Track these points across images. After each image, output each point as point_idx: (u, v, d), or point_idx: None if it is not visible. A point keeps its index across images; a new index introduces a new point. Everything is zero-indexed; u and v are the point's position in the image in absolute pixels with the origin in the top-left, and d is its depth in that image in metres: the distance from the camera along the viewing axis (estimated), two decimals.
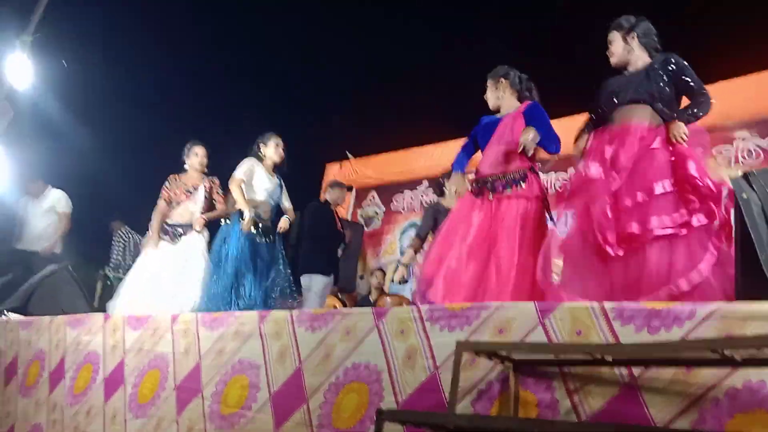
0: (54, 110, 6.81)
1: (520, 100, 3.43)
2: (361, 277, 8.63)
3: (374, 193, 9.30)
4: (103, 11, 7.40)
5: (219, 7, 7.65)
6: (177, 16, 7.67)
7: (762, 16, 5.74)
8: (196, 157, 4.81)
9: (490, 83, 3.52)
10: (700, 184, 2.53)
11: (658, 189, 2.61)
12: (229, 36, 7.78)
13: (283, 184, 4.61)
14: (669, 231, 2.51)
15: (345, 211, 8.81)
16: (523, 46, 7.22)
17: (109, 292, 6.29)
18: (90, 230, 7.28)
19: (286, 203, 4.61)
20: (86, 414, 3.46)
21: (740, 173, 1.99)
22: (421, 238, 5.04)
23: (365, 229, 8.91)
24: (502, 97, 3.45)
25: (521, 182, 3.14)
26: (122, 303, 4.33)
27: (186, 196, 4.73)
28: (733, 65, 5.87)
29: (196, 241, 4.56)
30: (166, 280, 4.35)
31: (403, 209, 8.64)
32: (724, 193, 2.51)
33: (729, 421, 1.65)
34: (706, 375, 1.70)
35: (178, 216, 4.70)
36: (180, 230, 4.63)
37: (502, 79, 3.46)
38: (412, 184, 8.66)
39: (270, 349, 2.81)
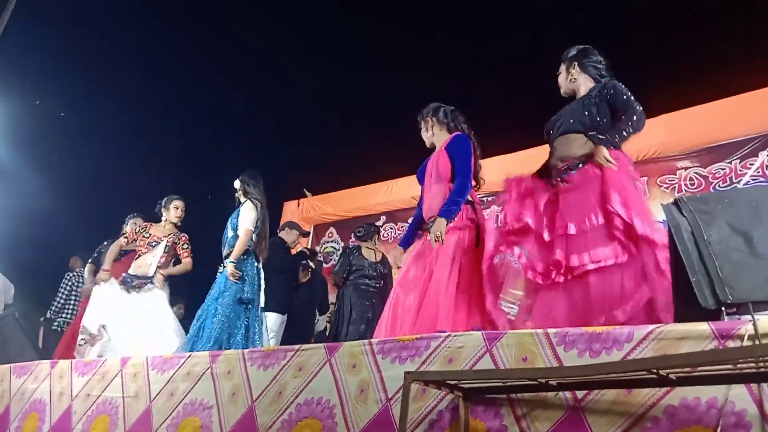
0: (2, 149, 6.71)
1: (450, 132, 3.49)
2: (333, 303, 8.58)
3: (333, 230, 9.33)
4: (56, 45, 7.31)
5: (171, 41, 7.61)
6: (129, 50, 7.64)
7: (703, 52, 6.05)
8: (175, 210, 4.89)
9: (421, 124, 3.58)
10: (623, 220, 2.58)
11: (587, 224, 2.66)
12: (183, 74, 7.76)
13: (240, 210, 4.46)
14: (600, 265, 2.57)
15: (305, 240, 8.80)
16: (483, 79, 7.40)
17: (54, 338, 6.08)
18: (40, 274, 7.10)
19: (240, 226, 4.44)
20: None
21: (671, 200, 2.07)
22: (338, 277, 5.19)
23: (324, 264, 8.90)
24: (432, 135, 3.52)
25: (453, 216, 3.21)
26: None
27: (147, 249, 4.75)
28: (675, 99, 6.13)
29: (158, 294, 4.58)
30: (138, 328, 4.33)
31: None
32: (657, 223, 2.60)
33: None
34: (645, 395, 1.75)
35: (136, 268, 4.71)
36: (136, 282, 4.62)
37: (429, 118, 3.53)
38: (370, 220, 8.71)
39: (222, 389, 2.76)
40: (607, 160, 2.71)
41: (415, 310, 3.01)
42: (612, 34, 6.14)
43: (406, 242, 3.58)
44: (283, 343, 5.70)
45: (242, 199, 4.47)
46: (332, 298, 8.61)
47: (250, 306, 4.21)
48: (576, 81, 3.09)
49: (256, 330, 4.23)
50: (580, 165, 2.85)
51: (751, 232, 1.84)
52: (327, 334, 7.06)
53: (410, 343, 2.30)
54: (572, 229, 2.66)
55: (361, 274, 5.28)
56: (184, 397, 2.88)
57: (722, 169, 6.29)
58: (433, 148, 3.56)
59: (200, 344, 3.89)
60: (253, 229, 4.29)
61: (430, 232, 3.18)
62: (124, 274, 4.69)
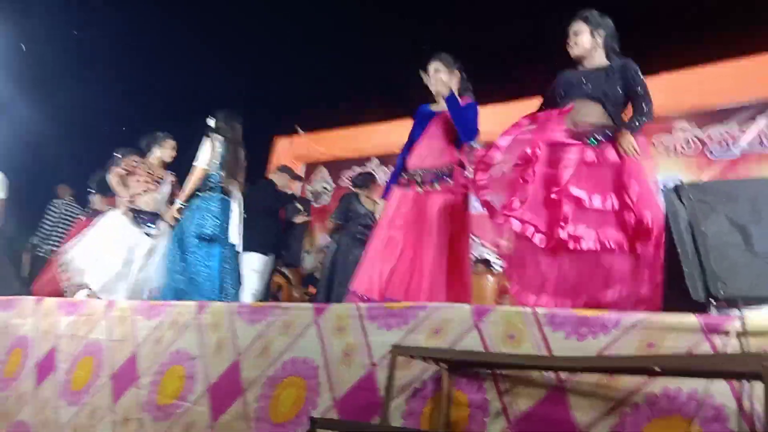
0: None
1: (460, 95, 3.41)
2: (308, 252, 8.61)
3: (324, 169, 9.26)
4: None
5: None
6: None
7: (704, 11, 5.89)
8: (171, 150, 4.79)
9: (442, 68, 3.42)
10: (635, 215, 2.59)
11: (599, 204, 2.66)
12: (178, 10, 7.47)
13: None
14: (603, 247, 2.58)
15: (296, 184, 8.75)
16: (476, 28, 7.22)
17: (39, 264, 6.08)
18: (29, 199, 7.01)
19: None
20: (16, 400, 3.37)
21: (672, 185, 2.04)
22: (337, 221, 5.20)
23: (313, 204, 8.88)
24: (446, 88, 3.39)
25: (448, 177, 3.20)
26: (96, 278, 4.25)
27: (154, 186, 4.65)
28: (675, 58, 6.01)
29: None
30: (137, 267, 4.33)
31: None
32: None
33: (647, 425, 1.72)
34: (627, 381, 1.77)
35: (144, 203, 4.59)
36: (145, 218, 4.55)
37: (457, 71, 3.43)
38: (362, 161, 8.65)
39: (208, 341, 2.78)
40: (634, 150, 2.70)
41: (393, 271, 3.05)
42: None
43: (395, 179, 3.52)
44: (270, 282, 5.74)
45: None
46: (321, 242, 8.68)
47: (215, 242, 4.16)
48: (597, 49, 3.02)
49: (226, 267, 4.18)
50: (599, 138, 2.83)
51: (749, 228, 1.83)
52: (318, 277, 7.13)
53: (398, 311, 2.30)
54: (587, 202, 2.65)
55: (357, 222, 5.28)
56: (170, 345, 2.90)
57: (719, 132, 6.26)
58: (436, 95, 3.45)
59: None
60: (206, 167, 4.20)
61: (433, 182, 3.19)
62: (133, 209, 4.55)
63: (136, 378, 2.94)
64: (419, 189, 3.25)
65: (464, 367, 2.04)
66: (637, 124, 2.84)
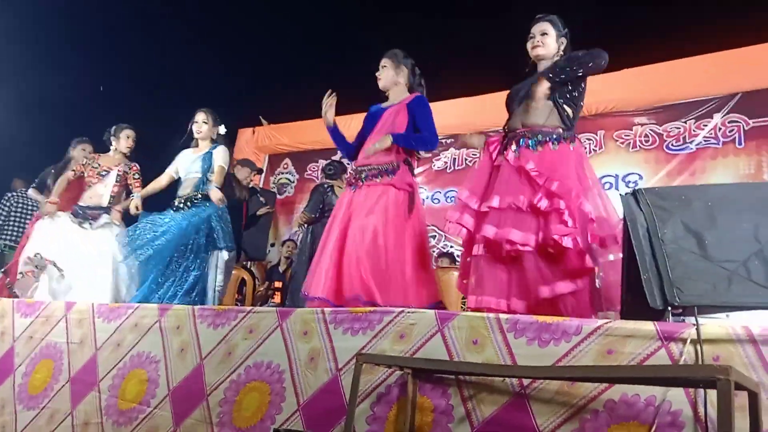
0: None
1: (410, 91, 3.42)
2: (272, 245, 8.56)
3: (288, 161, 9.18)
4: None
5: None
6: None
7: (662, 10, 6.00)
8: (126, 140, 4.69)
9: (389, 63, 3.43)
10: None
11: (523, 203, 2.67)
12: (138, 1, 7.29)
13: (214, 154, 4.19)
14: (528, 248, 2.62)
15: (258, 177, 8.65)
16: (446, 15, 7.23)
17: None
18: None
19: (215, 165, 4.16)
20: None
21: (630, 191, 2.07)
22: (311, 215, 5.17)
23: (278, 196, 8.81)
24: (394, 83, 3.41)
25: (392, 174, 3.20)
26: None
27: (97, 179, 4.59)
28: (635, 55, 6.12)
29: (107, 235, 4.42)
30: (78, 268, 4.20)
31: (317, 178, 8.58)
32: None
33: (606, 430, 1.77)
34: (587, 388, 1.81)
35: (87, 199, 4.57)
36: (88, 213, 4.50)
37: (404, 66, 3.42)
38: (327, 154, 8.59)
39: (170, 344, 2.74)
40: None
41: (335, 268, 3.07)
42: None
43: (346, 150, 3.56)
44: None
45: (204, 138, 4.21)
46: (286, 234, 8.62)
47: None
48: (557, 55, 2.99)
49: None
50: (546, 139, 2.83)
51: (704, 235, 1.87)
52: (283, 269, 7.08)
53: (363, 316, 2.31)
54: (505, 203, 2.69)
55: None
56: (131, 348, 2.86)
57: (677, 128, 6.41)
58: (384, 91, 3.47)
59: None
60: (226, 168, 4.16)
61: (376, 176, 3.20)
62: (75, 206, 4.55)
63: (95, 382, 2.90)
64: (361, 183, 3.28)
65: (429, 372, 2.06)
66: (554, 70, 2.82)
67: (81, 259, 4.25)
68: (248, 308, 2.62)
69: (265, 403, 2.37)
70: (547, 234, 2.60)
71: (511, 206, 2.69)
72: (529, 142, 2.83)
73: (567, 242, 2.54)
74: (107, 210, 4.55)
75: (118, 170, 4.63)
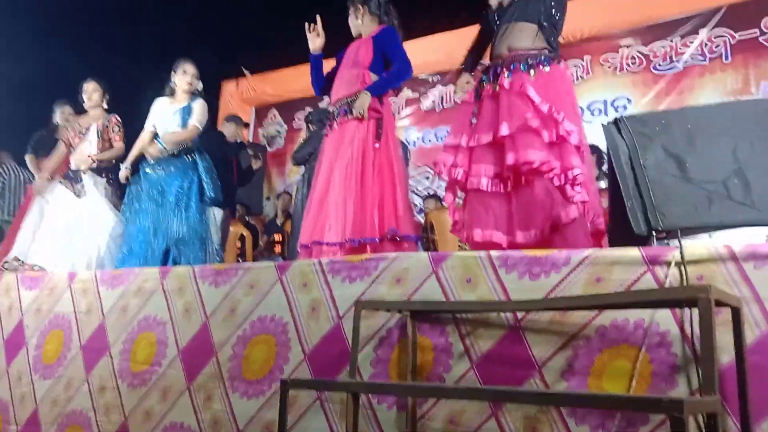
0: None
1: (380, 24, 3.42)
2: (268, 199, 8.59)
3: (275, 111, 9.11)
4: None
5: None
6: None
7: None
8: (95, 94, 4.54)
9: (351, 10, 3.48)
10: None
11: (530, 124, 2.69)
12: None
13: (193, 105, 4.09)
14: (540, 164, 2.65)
15: (246, 131, 8.60)
16: None
17: None
18: None
19: (189, 122, 4.06)
20: None
21: (611, 120, 2.10)
22: (301, 158, 5.18)
23: (268, 149, 8.78)
24: (361, 24, 3.44)
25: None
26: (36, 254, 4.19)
27: (80, 139, 4.50)
28: None
29: (93, 190, 4.33)
30: (66, 234, 4.19)
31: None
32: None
33: (598, 355, 1.85)
34: (578, 316, 1.88)
35: (76, 162, 4.46)
36: (79, 175, 4.41)
37: (360, 6, 3.44)
38: (314, 101, 8.51)
39: (175, 306, 2.81)
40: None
41: (321, 214, 3.17)
42: None
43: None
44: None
45: (187, 91, 4.12)
46: (280, 187, 8.61)
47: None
48: None
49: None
50: (532, 62, 2.83)
51: (684, 158, 1.90)
52: (282, 222, 7.13)
53: (359, 263, 2.36)
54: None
55: None
56: (138, 312, 2.92)
57: (663, 47, 6.35)
58: (359, 37, 3.48)
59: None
60: (200, 129, 4.13)
61: (347, 113, 3.24)
62: (67, 172, 4.48)
63: (106, 347, 2.97)
64: (335, 124, 3.33)
65: (426, 313, 2.13)
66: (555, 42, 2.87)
67: (84, 231, 4.25)
68: (248, 264, 2.68)
69: (272, 354, 2.45)
70: (566, 164, 2.64)
71: (521, 129, 2.70)
72: (521, 66, 2.83)
73: (579, 175, 2.61)
74: (97, 171, 4.43)
75: (98, 125, 4.49)
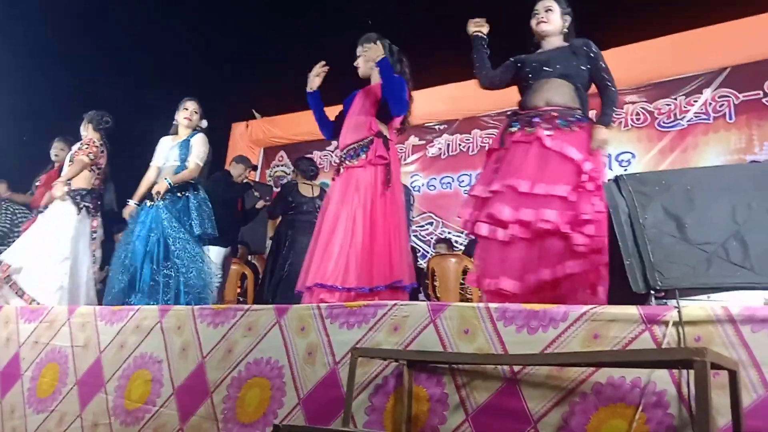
0: None
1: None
2: (271, 238, 8.61)
3: (283, 153, 9.23)
4: None
5: None
6: None
7: None
8: (86, 126, 4.60)
9: (367, 45, 3.42)
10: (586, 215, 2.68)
11: (559, 191, 2.72)
12: None
13: (192, 141, 4.16)
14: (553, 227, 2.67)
15: (253, 173, 8.69)
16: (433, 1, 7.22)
17: None
18: None
19: (190, 159, 4.12)
20: None
21: (612, 178, 2.12)
22: (276, 213, 5.21)
23: (274, 189, 8.85)
24: (372, 67, 3.41)
25: (366, 149, 3.23)
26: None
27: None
28: (624, 33, 6.14)
29: (60, 216, 4.34)
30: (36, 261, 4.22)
31: None
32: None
33: (594, 413, 1.83)
34: (575, 372, 1.87)
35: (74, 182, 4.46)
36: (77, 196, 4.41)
37: (380, 43, 3.37)
38: (321, 145, 8.64)
39: (172, 344, 2.81)
40: (602, 143, 2.81)
41: (325, 259, 3.16)
42: None
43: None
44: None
45: (189, 127, 4.23)
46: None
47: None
48: (561, 31, 3.06)
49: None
50: (570, 119, 2.87)
51: (684, 218, 1.92)
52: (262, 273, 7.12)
53: (358, 310, 2.37)
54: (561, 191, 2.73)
55: (298, 211, 5.26)
56: (135, 349, 2.92)
57: (667, 105, 6.45)
58: (365, 78, 3.50)
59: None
60: (202, 165, 4.19)
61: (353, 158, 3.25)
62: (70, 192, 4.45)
63: (102, 383, 2.96)
64: (342, 169, 3.34)
65: (423, 362, 2.12)
66: (608, 116, 2.89)
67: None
68: (246, 306, 2.68)
69: (267, 398, 2.44)
70: (579, 213, 2.68)
71: (548, 193, 2.73)
72: (559, 121, 2.86)
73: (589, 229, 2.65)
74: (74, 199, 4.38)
75: (73, 150, 4.49)
